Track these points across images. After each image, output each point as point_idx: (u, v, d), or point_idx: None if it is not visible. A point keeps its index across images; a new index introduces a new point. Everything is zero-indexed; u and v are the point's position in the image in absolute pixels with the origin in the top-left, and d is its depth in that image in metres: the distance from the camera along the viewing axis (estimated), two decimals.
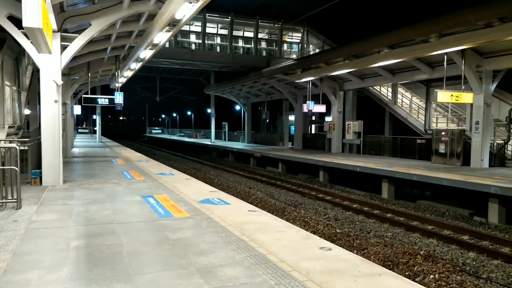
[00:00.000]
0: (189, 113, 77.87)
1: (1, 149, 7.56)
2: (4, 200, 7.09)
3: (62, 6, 9.57)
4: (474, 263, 7.69)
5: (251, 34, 27.59)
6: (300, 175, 20.45)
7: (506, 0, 10.50)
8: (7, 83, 12.25)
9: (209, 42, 26.52)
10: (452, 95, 14.11)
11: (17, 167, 6.96)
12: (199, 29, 25.94)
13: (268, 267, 4.24)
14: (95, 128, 39.47)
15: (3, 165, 7.38)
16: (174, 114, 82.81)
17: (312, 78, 20.88)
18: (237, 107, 43.31)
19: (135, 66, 17.75)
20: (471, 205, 11.75)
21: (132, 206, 7.30)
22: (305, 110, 22.87)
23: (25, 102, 15.05)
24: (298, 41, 29.45)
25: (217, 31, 27.04)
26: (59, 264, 4.23)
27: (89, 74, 17.90)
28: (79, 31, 10.34)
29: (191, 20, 11.15)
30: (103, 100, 18.09)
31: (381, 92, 23.02)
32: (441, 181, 12.04)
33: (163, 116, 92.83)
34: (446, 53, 13.90)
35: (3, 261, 4.33)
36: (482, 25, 11.50)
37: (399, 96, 22.22)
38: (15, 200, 6.99)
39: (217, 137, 41.46)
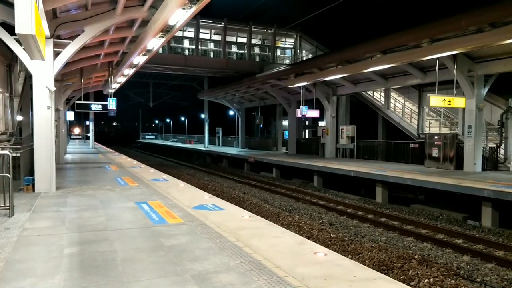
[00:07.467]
0: (182, 118, 77.80)
1: None
2: None
3: (55, 12, 9.56)
4: (468, 266, 7.72)
5: (244, 40, 27.68)
6: (294, 180, 20.47)
7: (497, 6, 10.63)
8: None
9: (203, 47, 26.56)
10: (444, 99, 14.23)
11: (10, 174, 6.90)
12: (192, 34, 25.98)
13: (263, 273, 4.23)
14: (88, 134, 39.26)
15: None
16: (168, 120, 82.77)
17: (305, 83, 20.96)
18: (231, 113, 43.32)
19: (129, 72, 17.74)
20: (464, 209, 11.83)
21: (126, 213, 7.25)
22: (299, 115, 22.94)
23: (18, 109, 14.95)
24: (291, 46, 29.58)
25: (211, 36, 27.09)
26: (52, 272, 4.19)
27: (82, 80, 17.84)
28: (72, 37, 10.32)
29: (184, 26, 11.17)
30: (96, 106, 18.04)
31: (374, 97, 23.16)
32: (435, 185, 12.10)
33: (157, 121, 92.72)
34: (438, 58, 14.03)
35: None
36: (473, 30, 11.63)
37: (392, 100, 22.36)
38: (8, 208, 6.92)
39: (211, 142, 41.39)
